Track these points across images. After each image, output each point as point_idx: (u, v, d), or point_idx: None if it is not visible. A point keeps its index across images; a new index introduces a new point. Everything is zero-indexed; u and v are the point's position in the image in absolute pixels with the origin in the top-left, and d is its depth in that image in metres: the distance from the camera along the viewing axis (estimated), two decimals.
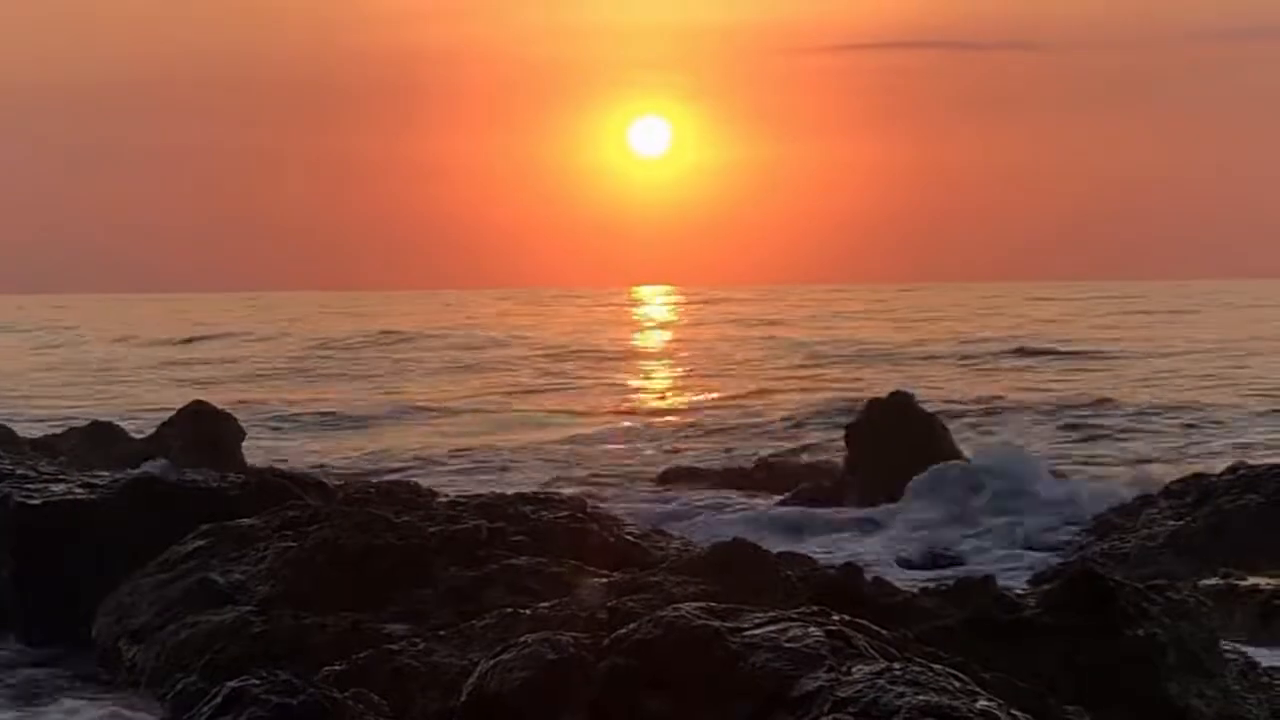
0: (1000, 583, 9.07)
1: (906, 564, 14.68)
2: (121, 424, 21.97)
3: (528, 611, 8.66)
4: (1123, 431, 26.05)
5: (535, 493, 11.82)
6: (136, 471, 13.65)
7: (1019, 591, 8.76)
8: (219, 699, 7.01)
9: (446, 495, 12.51)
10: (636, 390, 38.26)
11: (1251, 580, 12.23)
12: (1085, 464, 21.97)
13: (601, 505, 12.54)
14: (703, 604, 6.76)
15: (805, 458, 22.38)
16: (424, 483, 13.71)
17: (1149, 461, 21.56)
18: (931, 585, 9.51)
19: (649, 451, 25.05)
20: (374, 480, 14.98)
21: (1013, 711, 5.96)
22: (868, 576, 9.21)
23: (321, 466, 21.75)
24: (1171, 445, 24.19)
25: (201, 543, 10.82)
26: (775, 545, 10.91)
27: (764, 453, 23.13)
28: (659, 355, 51.49)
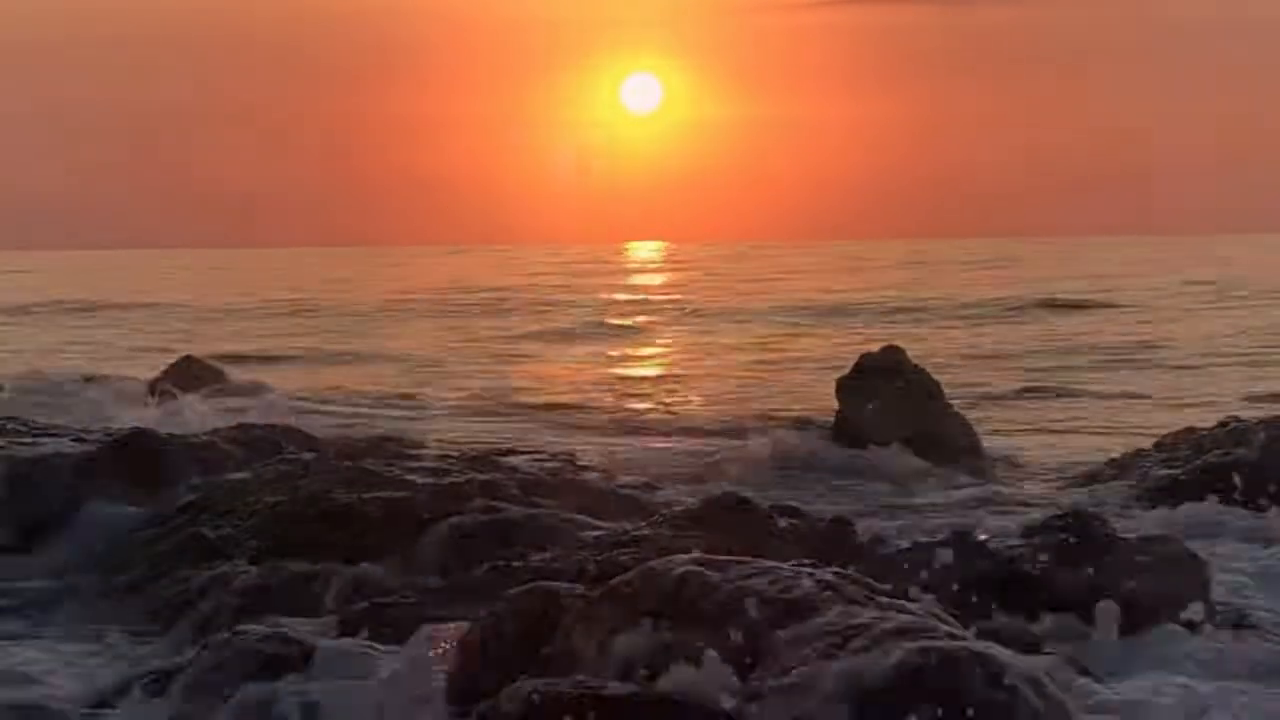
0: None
1: None
2: None
3: (520, 564, 8.67)
4: None
5: (527, 445, 11.83)
6: (129, 426, 13.63)
7: (1012, 542, 8.78)
8: (210, 651, 7.03)
9: (436, 448, 12.53)
10: None
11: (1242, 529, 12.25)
12: None
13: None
14: (693, 555, 6.75)
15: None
16: None
17: None
18: (923, 537, 9.52)
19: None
20: (363, 434, 14.97)
21: (997, 646, 5.97)
22: (859, 528, 9.24)
23: None
24: None
25: (193, 497, 10.82)
26: None
27: None
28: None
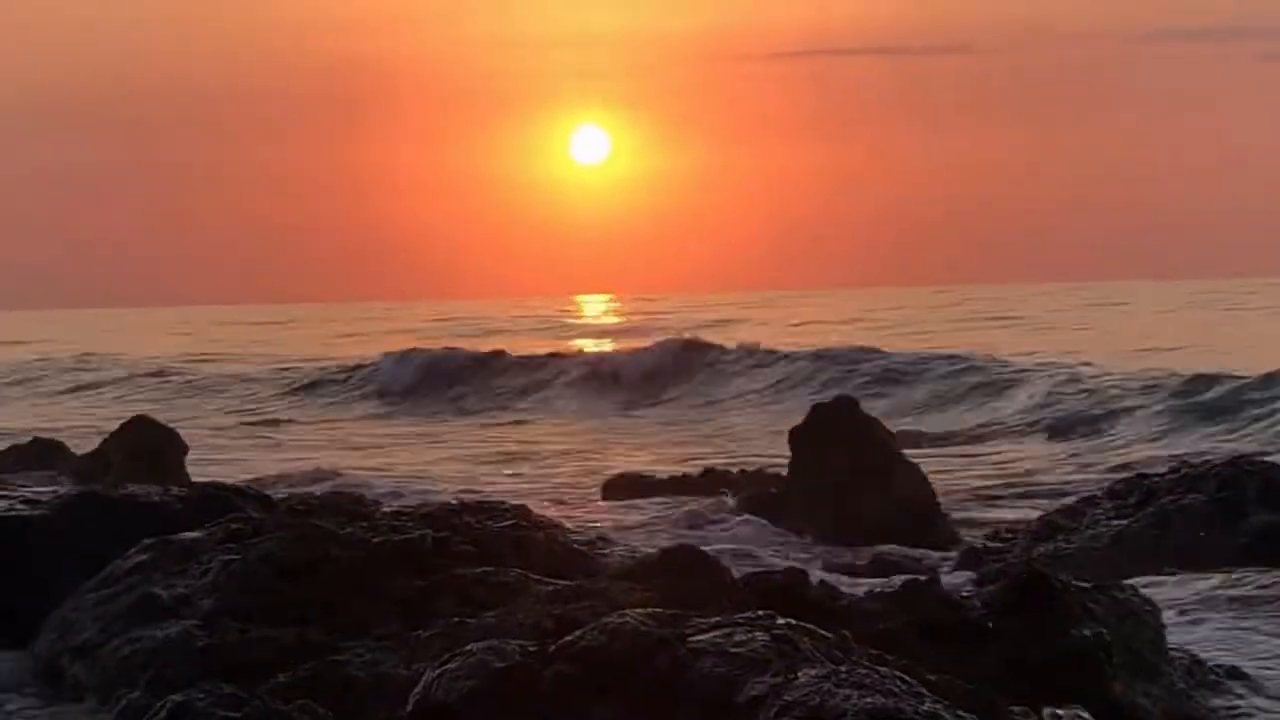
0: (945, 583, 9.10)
1: None
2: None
3: (474, 621, 8.64)
4: None
5: (479, 502, 11.78)
6: (78, 486, 13.57)
7: (964, 593, 8.79)
8: (163, 713, 6.98)
9: (390, 505, 12.49)
10: None
11: (1195, 578, 12.30)
12: None
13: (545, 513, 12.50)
14: (648, 610, 6.75)
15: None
16: None
17: None
18: (877, 588, 9.52)
19: None
20: (317, 492, 14.92)
21: (959, 713, 5.97)
22: (813, 581, 9.22)
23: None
24: None
25: (144, 557, 10.75)
26: None
27: None
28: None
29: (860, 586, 10.49)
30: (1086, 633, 8.18)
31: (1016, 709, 6.97)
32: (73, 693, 9.87)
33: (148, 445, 19.85)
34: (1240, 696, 8.63)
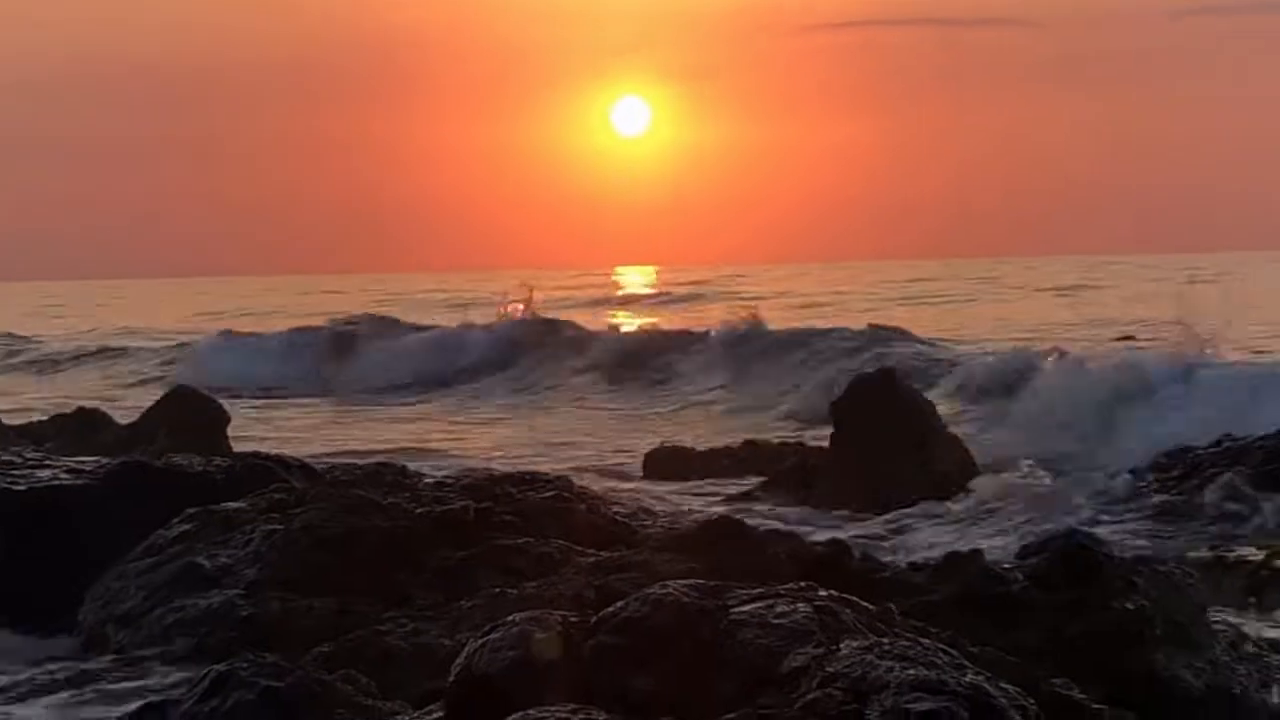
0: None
1: None
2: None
3: (515, 591, 8.66)
4: None
5: (522, 473, 11.80)
6: (122, 457, 13.61)
7: (1006, 565, 8.76)
8: (206, 682, 7.01)
9: (433, 477, 12.50)
10: None
11: (1238, 552, 12.26)
12: None
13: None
14: (690, 581, 6.75)
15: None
16: None
17: None
18: (919, 561, 9.51)
19: None
20: (359, 463, 14.95)
21: (1001, 685, 5.96)
22: (855, 553, 9.22)
23: None
24: None
25: (187, 527, 10.80)
26: None
27: None
28: None
29: (900, 558, 10.47)
30: (1129, 605, 8.15)
31: (1057, 681, 6.96)
32: (117, 660, 9.91)
33: (190, 415, 19.90)
34: None
